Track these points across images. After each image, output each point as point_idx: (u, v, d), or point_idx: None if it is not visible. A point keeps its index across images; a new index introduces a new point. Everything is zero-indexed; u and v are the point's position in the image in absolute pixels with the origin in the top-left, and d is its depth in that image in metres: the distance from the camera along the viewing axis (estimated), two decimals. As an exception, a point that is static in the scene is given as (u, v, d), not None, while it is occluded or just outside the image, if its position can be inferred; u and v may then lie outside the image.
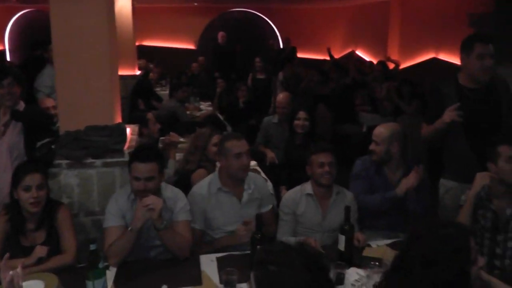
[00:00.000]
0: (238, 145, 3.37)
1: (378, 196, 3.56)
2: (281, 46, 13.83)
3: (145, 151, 3.09)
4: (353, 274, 2.76)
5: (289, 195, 3.55)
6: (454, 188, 3.56)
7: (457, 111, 3.34)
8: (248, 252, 2.95)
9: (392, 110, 8.05)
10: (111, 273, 2.79)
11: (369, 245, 3.21)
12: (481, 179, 3.01)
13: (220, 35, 12.36)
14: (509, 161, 2.92)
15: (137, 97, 8.13)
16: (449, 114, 3.37)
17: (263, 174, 4.52)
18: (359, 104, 8.71)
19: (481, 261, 1.85)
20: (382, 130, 3.69)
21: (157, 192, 3.05)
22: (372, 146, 3.68)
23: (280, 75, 9.37)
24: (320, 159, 3.41)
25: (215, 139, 4.08)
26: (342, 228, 2.96)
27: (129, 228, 2.92)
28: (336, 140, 7.56)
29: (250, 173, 3.59)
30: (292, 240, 3.31)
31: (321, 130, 7.38)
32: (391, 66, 10.45)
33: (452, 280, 1.74)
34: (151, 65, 10.64)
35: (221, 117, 7.04)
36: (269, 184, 4.26)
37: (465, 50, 3.52)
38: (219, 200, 3.37)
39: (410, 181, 3.46)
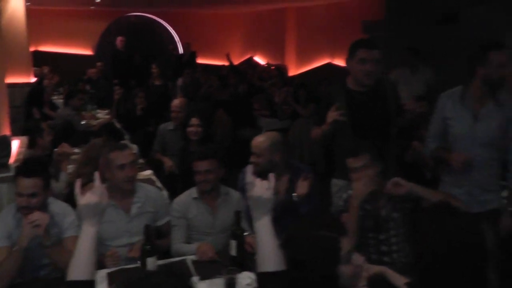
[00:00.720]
0: (122, 156, 3.29)
1: None
2: (181, 51, 13.75)
3: (29, 165, 2.97)
4: (245, 278, 2.80)
5: (179, 199, 3.56)
6: (344, 187, 3.61)
7: (339, 111, 3.45)
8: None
9: (290, 114, 8.26)
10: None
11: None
12: (364, 188, 3.06)
13: (119, 40, 12.08)
14: (357, 171, 3.10)
15: (31, 106, 7.80)
16: (331, 115, 3.48)
17: (159, 184, 4.48)
18: (258, 109, 8.86)
19: (359, 259, 1.91)
20: (261, 140, 3.67)
21: (44, 207, 2.94)
22: (252, 158, 3.63)
23: (180, 81, 9.32)
24: (196, 168, 3.46)
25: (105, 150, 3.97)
26: (234, 233, 3.00)
27: (14, 248, 2.78)
28: (236, 144, 7.64)
29: (144, 185, 3.56)
30: (186, 247, 3.33)
31: (220, 135, 7.45)
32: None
33: (320, 281, 1.80)
34: (46, 71, 10.22)
35: (118, 125, 6.89)
36: (164, 194, 4.22)
37: (349, 55, 3.66)
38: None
39: (300, 189, 3.52)
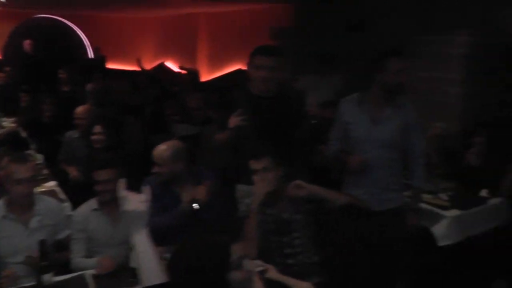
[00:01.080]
0: (20, 170, 3.18)
1: (168, 215, 3.47)
2: (91, 55, 13.39)
3: None
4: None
5: (79, 211, 3.50)
6: (248, 192, 3.62)
7: (241, 116, 3.53)
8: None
9: (202, 119, 8.23)
10: None
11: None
12: (261, 190, 3.16)
13: (26, 43, 11.57)
14: (262, 172, 3.19)
15: None
16: (232, 120, 3.56)
17: (62, 195, 4.34)
18: (170, 114, 8.77)
19: (251, 265, 1.96)
20: (162, 149, 3.62)
21: None
22: (155, 169, 3.58)
23: (89, 86, 9.07)
24: (95, 177, 3.39)
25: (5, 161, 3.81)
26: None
27: None
28: (148, 151, 7.50)
29: (44, 197, 3.48)
30: (86, 261, 3.27)
31: (132, 143, 7.30)
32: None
33: (211, 285, 1.83)
34: None
35: (24, 133, 6.61)
36: (66, 206, 4.10)
37: (249, 61, 3.78)
38: (2, 229, 3.16)
39: (196, 194, 3.52)
